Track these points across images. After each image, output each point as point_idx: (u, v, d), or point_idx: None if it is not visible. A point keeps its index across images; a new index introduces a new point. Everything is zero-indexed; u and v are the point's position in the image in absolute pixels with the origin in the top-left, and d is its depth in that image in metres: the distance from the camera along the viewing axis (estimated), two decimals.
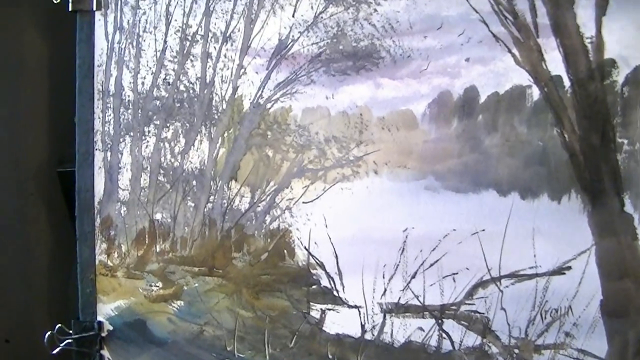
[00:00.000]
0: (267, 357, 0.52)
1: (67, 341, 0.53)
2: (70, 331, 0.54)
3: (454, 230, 0.48)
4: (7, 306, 0.60)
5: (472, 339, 0.50)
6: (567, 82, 0.46)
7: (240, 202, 0.51)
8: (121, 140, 0.54)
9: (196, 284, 0.53)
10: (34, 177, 0.59)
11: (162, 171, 0.53)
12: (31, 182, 0.59)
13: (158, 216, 0.53)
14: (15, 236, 0.60)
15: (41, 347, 0.54)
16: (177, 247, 0.53)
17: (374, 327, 0.51)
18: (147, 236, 0.53)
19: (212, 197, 0.52)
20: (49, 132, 0.60)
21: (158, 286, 0.54)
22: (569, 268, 0.47)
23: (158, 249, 0.53)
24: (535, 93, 0.47)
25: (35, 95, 0.59)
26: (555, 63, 0.46)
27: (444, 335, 0.50)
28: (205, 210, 0.52)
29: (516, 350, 0.49)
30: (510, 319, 0.49)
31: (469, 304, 0.49)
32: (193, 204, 0.52)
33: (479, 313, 0.49)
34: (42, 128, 0.60)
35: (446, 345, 0.50)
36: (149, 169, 0.53)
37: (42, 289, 0.61)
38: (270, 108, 0.51)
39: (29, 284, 0.60)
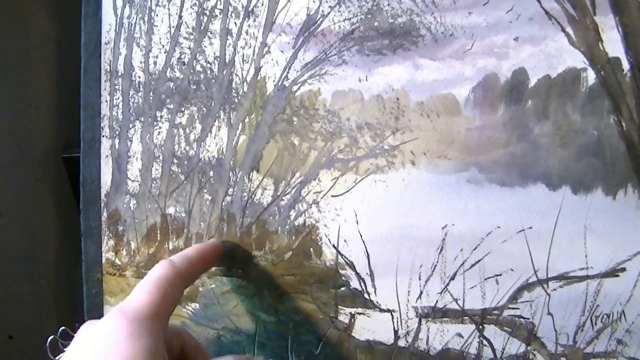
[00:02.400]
0: None
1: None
2: (75, 334, 0.53)
3: (498, 227, 0.49)
4: (11, 300, 0.62)
5: (516, 347, 0.50)
6: (626, 65, 0.46)
7: (262, 195, 0.52)
8: (131, 126, 0.54)
9: (213, 285, 0.54)
10: (40, 163, 0.60)
11: (175, 160, 0.54)
12: (37, 167, 0.60)
13: (171, 210, 0.54)
14: (20, 225, 0.62)
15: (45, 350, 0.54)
16: (192, 244, 0.54)
17: (408, 333, 0.52)
18: (158, 232, 0.54)
19: (231, 190, 0.52)
20: (54, 115, 0.60)
21: None
22: (623, 270, 0.48)
23: (171, 247, 0.54)
24: (591, 77, 0.47)
25: (39, 77, 0.59)
26: (613, 44, 0.46)
27: (484, 342, 0.51)
28: (224, 204, 0.53)
29: (563, 359, 0.49)
30: (558, 325, 0.49)
31: (513, 309, 0.50)
32: (210, 197, 0.53)
33: (524, 318, 0.50)
34: (47, 111, 0.61)
35: (487, 353, 0.51)
36: (161, 157, 0.53)
37: (48, 282, 0.62)
38: (296, 91, 0.52)
39: (34, 276, 0.62)
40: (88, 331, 0.36)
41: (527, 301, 0.49)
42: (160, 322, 0.36)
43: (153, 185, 0.54)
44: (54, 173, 0.61)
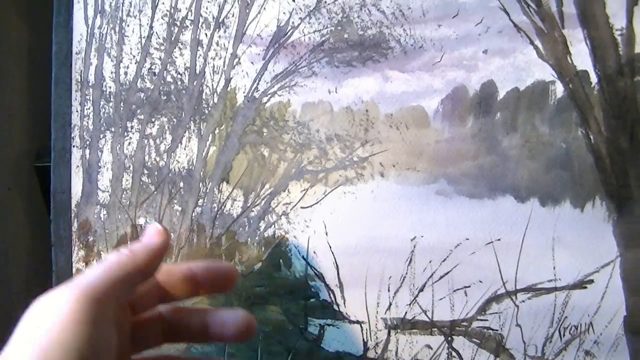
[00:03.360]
0: None
1: None
2: None
3: (467, 239, 0.50)
4: None
5: (485, 358, 0.51)
6: (594, 78, 0.47)
7: (232, 206, 0.53)
8: (101, 136, 0.55)
9: None
10: (12, 171, 0.61)
11: (146, 171, 0.54)
12: (9, 175, 0.60)
13: (141, 221, 0.55)
14: None
15: None
16: None
17: (377, 344, 0.53)
18: (129, 243, 0.55)
19: (201, 201, 0.53)
20: (27, 123, 0.61)
21: None
22: (591, 282, 0.49)
23: None
24: (559, 89, 0.48)
25: (11, 84, 0.60)
26: (581, 57, 0.47)
27: (453, 353, 0.52)
28: (194, 214, 0.53)
29: None
30: (526, 337, 0.51)
31: (482, 320, 0.51)
32: (180, 208, 0.54)
33: (492, 330, 0.51)
34: (19, 119, 0.61)
35: None
36: (131, 168, 0.54)
37: (19, 292, 0.62)
38: (266, 102, 0.53)
39: (5, 285, 0.62)
40: (38, 308, 0.33)
41: (496, 313, 0.50)
42: (110, 301, 0.34)
43: (123, 195, 0.55)
44: (26, 181, 0.62)
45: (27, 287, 0.64)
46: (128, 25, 0.54)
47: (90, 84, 0.55)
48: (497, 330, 0.51)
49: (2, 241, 0.62)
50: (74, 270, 0.55)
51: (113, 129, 0.55)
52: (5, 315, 0.63)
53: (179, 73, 0.54)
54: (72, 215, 0.55)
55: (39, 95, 0.60)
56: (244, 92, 0.53)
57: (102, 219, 0.55)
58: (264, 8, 0.52)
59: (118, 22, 0.54)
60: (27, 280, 0.64)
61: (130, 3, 0.54)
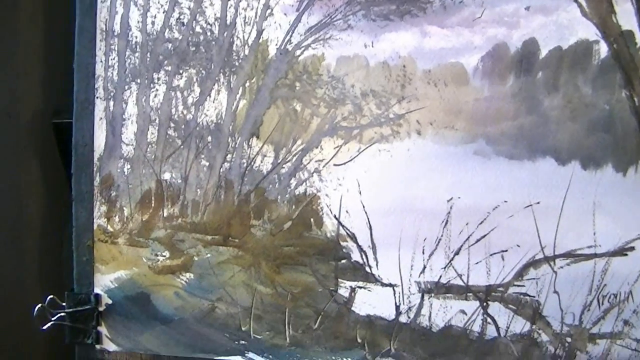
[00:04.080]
0: (287, 339, 0.68)
1: (59, 315, 0.70)
2: (64, 304, 0.70)
3: (505, 201, 0.62)
4: None
5: (520, 325, 0.63)
6: (639, 39, 0.58)
7: (261, 162, 0.66)
8: (126, 87, 0.69)
9: (208, 255, 0.68)
10: (27, 130, 0.77)
11: (172, 124, 0.68)
12: (24, 134, 0.77)
13: (166, 176, 0.68)
14: (5, 195, 0.76)
15: (30, 320, 0.69)
16: (188, 212, 0.68)
17: (410, 308, 0.65)
18: (153, 198, 0.69)
19: (229, 156, 0.67)
20: (43, 80, 0.76)
21: (164, 256, 0.70)
22: (632, 249, 0.60)
23: (165, 214, 0.69)
24: (603, 49, 0.59)
25: (27, 40, 0.75)
26: (627, 16, 0.58)
27: (488, 320, 0.64)
28: (221, 170, 0.67)
29: (569, 339, 0.63)
30: (564, 304, 0.63)
31: (519, 286, 0.63)
32: (207, 163, 0.68)
33: (529, 296, 0.63)
34: (36, 74, 0.76)
35: (491, 332, 0.64)
36: (157, 121, 0.68)
37: (33, 253, 0.79)
38: (299, 55, 0.65)
39: (19, 247, 0.78)
40: None
41: (533, 278, 0.62)
42: None
43: (148, 149, 0.68)
44: (42, 140, 0.75)
45: (41, 251, 0.82)
46: None
47: (115, 33, 0.69)
48: (534, 296, 0.62)
49: (17, 203, 0.79)
50: (94, 226, 0.70)
51: (139, 81, 0.68)
52: (19, 276, 0.81)
53: (209, 24, 0.67)
54: (94, 170, 0.69)
55: (56, 50, 0.75)
56: (276, 45, 0.65)
57: (126, 174, 0.69)
58: None
59: None
60: (41, 244, 0.81)
61: None
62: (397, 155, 0.64)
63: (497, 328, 0.64)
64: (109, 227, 0.71)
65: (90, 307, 0.71)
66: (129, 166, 0.70)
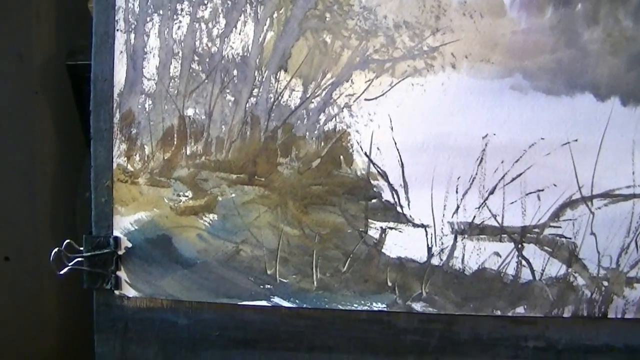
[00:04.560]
0: (315, 282, 0.77)
1: (77, 259, 0.79)
2: (81, 248, 0.79)
3: (542, 139, 0.71)
4: (7, 220, 0.85)
5: (556, 268, 0.73)
6: None
7: (289, 97, 0.76)
8: (148, 19, 0.78)
9: (233, 195, 0.77)
10: (40, 73, 0.84)
11: (196, 58, 0.77)
12: (36, 78, 0.84)
13: (190, 112, 0.78)
14: (17, 141, 0.85)
15: (44, 265, 0.78)
16: (212, 149, 0.77)
17: (442, 250, 0.75)
18: (175, 136, 0.78)
19: (255, 90, 0.76)
20: (56, 19, 0.84)
21: (187, 196, 0.79)
22: None
23: (188, 152, 0.78)
24: None
25: None
26: None
27: (523, 262, 0.73)
28: (247, 105, 0.76)
29: (605, 283, 0.72)
30: (601, 247, 0.72)
31: (555, 227, 0.72)
32: (232, 98, 0.77)
33: (566, 238, 0.72)
34: (49, 16, 0.84)
35: (525, 275, 0.73)
36: (180, 54, 0.77)
37: (45, 201, 0.88)
38: None
39: (31, 195, 0.88)
40: None
41: (570, 219, 0.72)
42: None
43: (171, 84, 0.77)
44: (55, 84, 0.84)
45: (54, 199, 0.93)
46: None
47: None
48: (570, 238, 0.72)
49: (29, 150, 0.90)
50: (114, 165, 0.78)
51: (161, 12, 0.77)
52: (32, 222, 0.93)
53: None
54: (114, 106, 0.78)
55: None
56: None
57: (147, 110, 0.78)
58: None
59: None
60: (54, 192, 0.92)
61: None
62: (430, 89, 0.73)
63: (532, 271, 0.74)
64: (129, 166, 0.79)
65: (109, 250, 0.80)
66: (150, 102, 0.79)
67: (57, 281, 0.80)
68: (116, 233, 0.80)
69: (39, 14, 0.81)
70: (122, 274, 0.81)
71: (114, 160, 0.80)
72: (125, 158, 0.80)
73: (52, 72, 0.84)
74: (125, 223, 0.80)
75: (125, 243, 0.81)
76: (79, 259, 0.79)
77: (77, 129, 0.81)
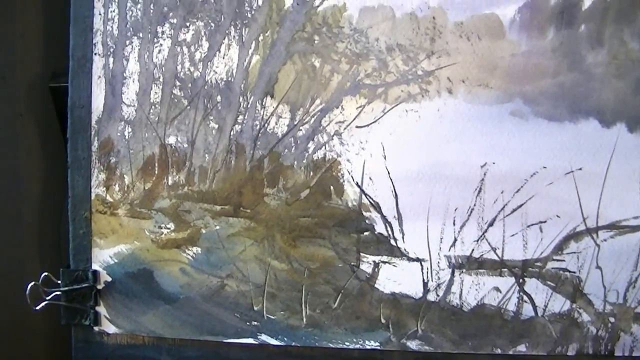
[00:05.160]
0: (304, 319, 0.73)
1: (54, 294, 0.75)
2: (59, 282, 0.75)
3: (544, 167, 0.67)
4: None
5: (560, 304, 0.69)
6: None
7: (276, 124, 0.72)
8: (127, 43, 0.74)
9: (217, 227, 0.73)
10: (24, 95, 0.82)
11: (178, 83, 0.73)
12: (21, 100, 0.82)
13: (171, 140, 0.74)
14: (2, 164, 0.81)
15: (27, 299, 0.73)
16: (195, 179, 0.73)
17: (439, 285, 0.71)
18: (156, 165, 0.74)
19: (241, 117, 0.72)
20: (41, 40, 0.81)
21: (169, 228, 0.75)
22: None
23: (170, 182, 0.74)
24: None
25: (24, 3, 0.79)
26: None
27: (525, 297, 0.69)
28: (232, 133, 0.72)
29: (612, 319, 0.68)
30: (607, 281, 0.68)
31: (558, 260, 0.68)
32: (216, 126, 0.73)
33: (570, 272, 0.68)
34: (34, 37, 0.80)
35: (527, 311, 0.69)
36: (161, 79, 0.74)
37: (32, 225, 0.84)
38: (318, 6, 0.70)
39: (17, 218, 0.84)
40: None
41: (574, 252, 0.68)
42: None
43: (152, 111, 0.73)
44: (40, 106, 0.79)
45: (40, 223, 0.88)
46: None
47: None
48: (574, 272, 0.68)
49: (14, 173, 0.86)
50: (92, 195, 0.74)
51: (141, 35, 0.73)
52: (17, 252, 0.88)
53: None
54: (92, 133, 0.74)
55: (55, 10, 0.82)
56: None
57: (127, 138, 0.74)
58: None
59: None
60: (40, 216, 0.87)
61: None
62: (425, 115, 0.69)
63: (534, 307, 0.70)
64: (108, 196, 0.76)
65: (88, 284, 0.76)
66: (130, 129, 0.75)
67: (40, 315, 0.76)
68: (95, 266, 0.77)
69: (24, 34, 0.77)
70: (101, 309, 0.77)
71: (92, 190, 0.76)
72: (104, 188, 0.76)
73: (37, 93, 0.80)
74: (104, 256, 0.77)
75: (105, 277, 0.77)
76: (57, 293, 0.76)
77: (63, 151, 0.77)
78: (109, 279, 0.77)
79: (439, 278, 0.71)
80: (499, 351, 0.71)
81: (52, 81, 0.78)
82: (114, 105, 0.75)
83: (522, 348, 0.71)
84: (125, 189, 0.75)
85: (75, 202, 0.76)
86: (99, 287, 0.77)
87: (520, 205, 0.68)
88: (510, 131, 0.67)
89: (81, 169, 0.76)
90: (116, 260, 0.77)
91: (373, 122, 0.70)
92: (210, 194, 0.73)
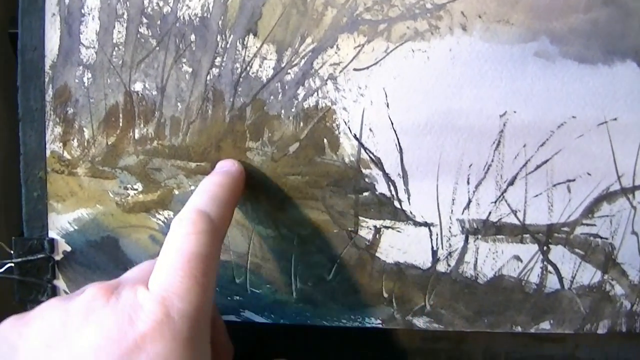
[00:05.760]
0: (294, 293, 0.66)
1: (6, 266, 0.67)
2: (12, 252, 0.68)
3: (574, 117, 0.60)
4: None
5: (589, 275, 0.63)
6: None
7: (260, 67, 0.63)
8: None
9: (192, 187, 0.65)
10: None
11: (145, 20, 0.64)
12: None
13: (138, 86, 0.65)
14: None
15: None
16: (166, 132, 0.65)
17: (450, 254, 0.64)
18: (121, 116, 0.66)
19: (218, 59, 0.64)
20: None
21: (136, 189, 0.67)
22: None
23: (137, 135, 0.66)
24: None
25: None
26: None
27: (549, 268, 0.63)
28: (209, 78, 0.64)
29: None
30: None
31: (588, 225, 0.62)
32: (190, 69, 0.64)
33: (601, 238, 0.62)
34: None
35: (552, 283, 0.63)
36: (125, 16, 0.64)
37: None
38: None
39: None
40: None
41: (607, 216, 0.61)
42: (208, 328, 0.48)
43: (114, 53, 0.64)
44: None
45: (3, 188, 0.79)
46: None
47: None
48: (606, 238, 0.62)
49: None
50: (47, 152, 0.65)
51: None
52: None
53: None
54: (46, 80, 0.65)
55: None
56: None
57: (86, 85, 0.65)
58: None
59: None
60: (2, 181, 0.79)
61: None
62: (435, 57, 0.62)
63: (560, 278, 0.64)
64: (65, 153, 0.68)
65: (44, 255, 0.69)
66: (89, 75, 0.66)
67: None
68: (52, 234, 0.69)
69: None
70: (60, 283, 0.70)
71: (47, 146, 0.68)
72: (61, 144, 0.68)
73: None
74: (62, 222, 0.69)
75: (63, 246, 0.69)
76: (9, 265, 0.69)
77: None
78: (68, 248, 0.69)
79: (450, 245, 0.64)
80: (519, 329, 0.66)
81: (11, 27, 0.68)
82: (70, 47, 0.66)
83: (545, 325, 0.66)
84: (85, 144, 0.67)
85: (27, 160, 0.68)
86: (57, 258, 0.69)
87: (545, 161, 0.62)
88: (534, 75, 0.61)
89: (34, 122, 0.67)
90: (76, 227, 0.69)
91: (374, 64, 0.62)
92: (184, 149, 0.65)
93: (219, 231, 0.52)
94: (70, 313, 0.46)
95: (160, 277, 0.47)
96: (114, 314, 0.44)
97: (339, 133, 0.63)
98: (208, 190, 0.56)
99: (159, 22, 0.64)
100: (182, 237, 0.49)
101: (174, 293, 0.45)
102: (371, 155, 0.63)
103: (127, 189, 0.67)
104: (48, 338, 0.45)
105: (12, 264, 0.69)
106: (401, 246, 0.64)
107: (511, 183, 0.62)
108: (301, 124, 0.64)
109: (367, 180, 0.64)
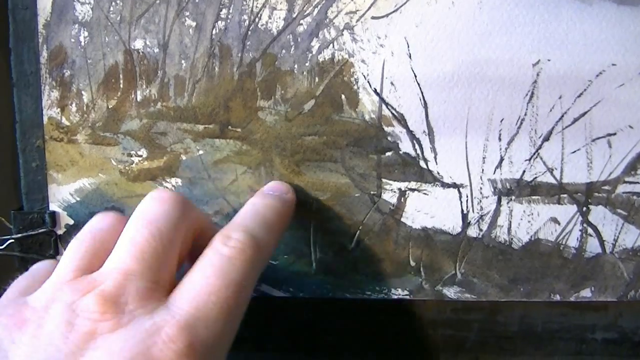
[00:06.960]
0: (314, 264, 0.62)
1: (7, 243, 0.64)
2: (11, 226, 0.64)
3: (613, 65, 0.56)
4: None
5: (632, 237, 0.59)
6: None
7: (270, 18, 0.59)
8: None
9: (201, 152, 0.62)
10: None
11: None
12: None
13: (138, 44, 0.61)
14: None
15: None
16: (170, 93, 0.61)
17: (482, 217, 0.60)
18: (121, 77, 0.61)
19: (224, 11, 0.59)
20: None
21: (141, 156, 0.63)
22: None
23: (139, 97, 0.61)
24: None
25: None
26: None
27: (589, 230, 0.59)
28: (214, 32, 0.59)
29: None
30: None
31: (631, 183, 0.58)
32: (194, 23, 0.60)
33: None
34: None
35: (593, 247, 0.60)
36: None
37: None
38: None
39: None
40: None
41: None
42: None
43: (112, 8, 0.60)
44: None
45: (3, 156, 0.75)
46: None
47: None
48: None
49: None
50: (44, 119, 0.61)
51: None
52: None
53: None
54: (40, 41, 0.61)
55: None
56: None
57: (82, 44, 0.61)
58: None
59: None
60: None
61: None
62: (461, 1, 0.57)
63: (602, 242, 0.60)
64: (63, 119, 0.63)
65: (46, 229, 0.65)
66: (86, 33, 0.62)
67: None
68: (53, 207, 0.65)
69: None
70: None
71: (44, 112, 0.63)
72: (59, 109, 0.63)
73: None
74: (63, 194, 0.65)
75: (66, 220, 0.65)
76: (10, 241, 0.65)
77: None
78: (71, 221, 0.65)
79: (481, 208, 0.60)
80: (557, 297, 0.62)
81: None
82: (64, 3, 0.61)
83: (586, 293, 0.62)
84: (84, 109, 0.63)
85: (24, 128, 0.64)
86: (59, 232, 0.65)
87: (583, 114, 0.58)
88: (569, 19, 0.56)
89: (29, 87, 0.63)
90: (78, 199, 0.65)
91: (394, 11, 0.58)
92: (190, 111, 0.61)
93: (263, 261, 0.49)
94: (68, 341, 0.40)
95: (189, 295, 0.42)
96: (125, 340, 0.39)
97: (358, 88, 0.59)
98: (261, 213, 0.52)
99: None
100: (225, 259, 0.45)
101: (201, 319, 0.41)
102: (393, 112, 0.59)
103: (131, 156, 0.63)
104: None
105: (12, 240, 0.65)
106: (428, 210, 0.61)
107: (546, 139, 0.58)
108: (316, 79, 0.60)
109: (389, 138, 0.60)
